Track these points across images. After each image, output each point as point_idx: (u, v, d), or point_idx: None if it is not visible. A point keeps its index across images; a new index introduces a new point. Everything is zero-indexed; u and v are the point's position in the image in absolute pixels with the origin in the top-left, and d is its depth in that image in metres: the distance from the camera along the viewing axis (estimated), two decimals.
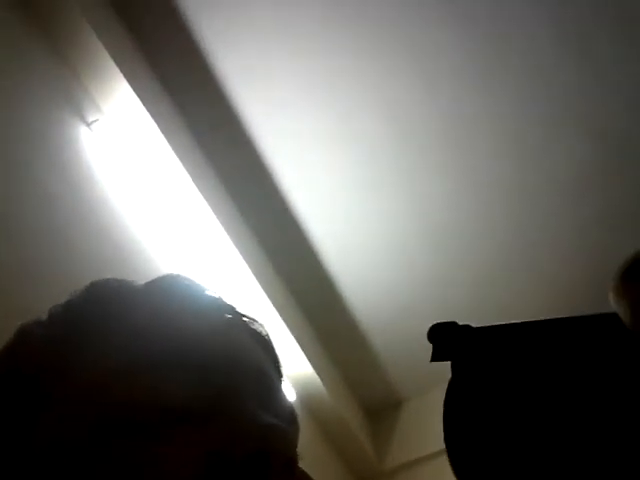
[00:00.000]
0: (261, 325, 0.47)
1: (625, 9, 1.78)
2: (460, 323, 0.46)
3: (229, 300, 0.46)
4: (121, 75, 1.49)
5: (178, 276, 0.45)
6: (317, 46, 1.79)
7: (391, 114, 1.92)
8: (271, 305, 1.88)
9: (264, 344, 0.45)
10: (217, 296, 0.45)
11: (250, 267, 1.81)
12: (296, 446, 0.40)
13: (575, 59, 1.86)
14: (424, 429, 2.39)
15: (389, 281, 2.26)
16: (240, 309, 0.46)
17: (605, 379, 0.40)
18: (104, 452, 0.32)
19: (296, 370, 2.04)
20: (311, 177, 2.02)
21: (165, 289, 0.43)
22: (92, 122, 1.50)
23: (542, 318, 0.45)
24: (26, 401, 0.35)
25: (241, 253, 1.79)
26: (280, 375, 0.45)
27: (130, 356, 0.36)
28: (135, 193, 1.57)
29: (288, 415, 0.41)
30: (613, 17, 1.80)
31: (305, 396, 2.11)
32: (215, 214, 1.69)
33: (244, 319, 0.46)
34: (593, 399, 0.40)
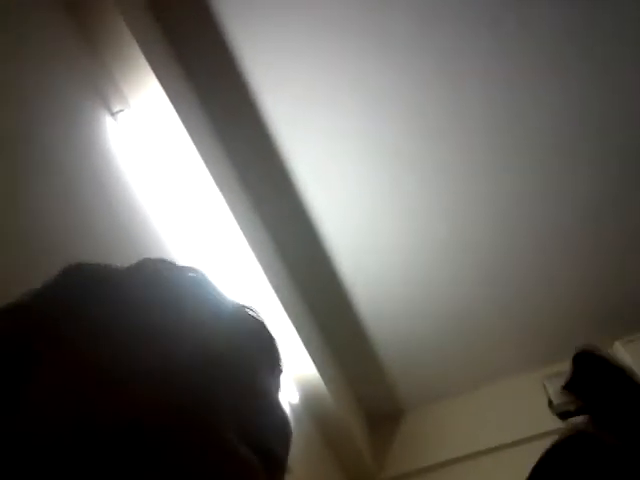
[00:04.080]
0: (260, 317, 0.43)
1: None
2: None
3: (222, 286, 0.43)
4: (149, 68, 1.51)
5: (163, 262, 0.42)
6: (344, 55, 1.80)
7: (415, 121, 1.93)
8: (281, 307, 1.88)
9: (261, 341, 0.42)
10: (207, 283, 0.42)
11: (263, 268, 1.82)
12: (281, 468, 0.37)
13: (598, 77, 1.86)
14: (424, 441, 2.39)
15: (399, 293, 2.26)
16: (237, 297, 0.43)
17: None
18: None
19: (301, 371, 2.04)
20: (334, 194, 2.04)
21: (148, 279, 0.40)
22: (117, 112, 1.52)
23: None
24: (9, 376, 0.34)
25: (255, 253, 1.79)
26: (278, 380, 0.42)
27: (99, 361, 0.34)
28: (155, 184, 1.58)
29: (276, 433, 0.38)
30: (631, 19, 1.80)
31: (308, 398, 2.11)
32: (233, 214, 1.70)
33: (242, 311, 0.42)
34: None
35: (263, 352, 0.42)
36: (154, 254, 0.46)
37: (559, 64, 1.83)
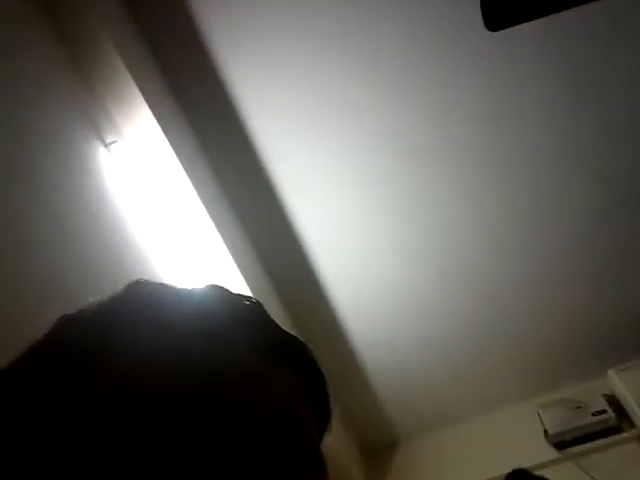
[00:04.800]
0: (315, 358, 0.46)
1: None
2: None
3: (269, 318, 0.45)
4: (143, 100, 1.52)
5: (222, 290, 0.45)
6: (332, 76, 1.82)
7: (402, 145, 1.94)
8: None
9: (311, 377, 0.44)
10: (265, 316, 0.45)
11: (251, 292, 1.81)
12: None
13: (586, 108, 1.88)
14: (420, 472, 2.36)
15: (391, 322, 2.26)
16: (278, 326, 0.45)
17: None
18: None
19: None
20: (324, 213, 2.04)
21: (203, 305, 0.43)
22: (110, 143, 1.53)
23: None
24: (64, 383, 0.36)
25: (247, 282, 1.79)
26: (323, 426, 0.44)
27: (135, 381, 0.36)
28: (148, 215, 1.58)
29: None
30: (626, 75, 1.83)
31: None
32: (225, 243, 1.70)
33: (301, 348, 0.45)
34: None
35: (310, 386, 0.43)
36: None
37: (545, 92, 1.86)
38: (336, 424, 2.32)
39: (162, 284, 0.44)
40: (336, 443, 2.21)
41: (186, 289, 0.45)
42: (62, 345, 0.39)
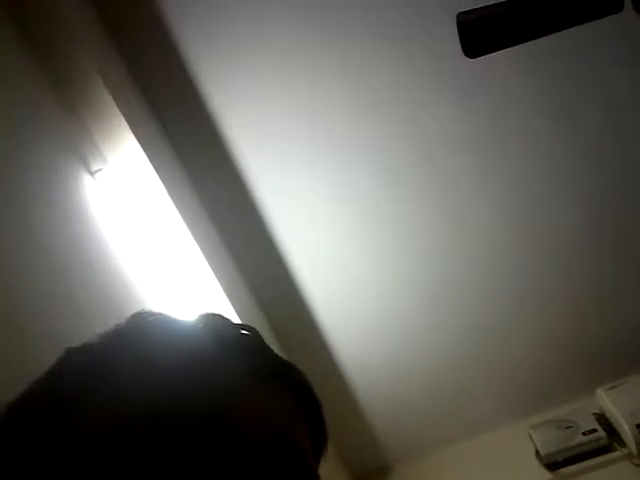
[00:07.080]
0: (309, 384, 0.47)
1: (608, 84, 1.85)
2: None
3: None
4: (128, 127, 1.52)
5: (221, 318, 0.46)
6: (315, 104, 1.84)
7: (387, 173, 1.96)
8: None
9: (307, 403, 0.45)
10: (262, 343, 0.45)
11: (239, 318, 1.80)
12: None
13: (565, 130, 1.91)
14: None
15: (381, 346, 2.25)
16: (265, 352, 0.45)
17: None
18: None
19: None
20: (314, 239, 2.04)
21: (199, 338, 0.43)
22: (96, 171, 1.52)
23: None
24: (58, 416, 0.36)
25: (233, 306, 1.78)
26: (319, 453, 0.45)
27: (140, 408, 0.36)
28: (134, 242, 1.57)
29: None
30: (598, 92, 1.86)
31: None
32: (213, 271, 1.69)
33: (294, 373, 0.46)
34: None
35: (307, 414, 0.44)
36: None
37: (525, 119, 1.88)
38: (327, 450, 2.30)
39: (163, 315, 0.45)
40: (326, 468, 2.18)
41: (185, 319, 0.45)
42: (57, 386, 0.39)
